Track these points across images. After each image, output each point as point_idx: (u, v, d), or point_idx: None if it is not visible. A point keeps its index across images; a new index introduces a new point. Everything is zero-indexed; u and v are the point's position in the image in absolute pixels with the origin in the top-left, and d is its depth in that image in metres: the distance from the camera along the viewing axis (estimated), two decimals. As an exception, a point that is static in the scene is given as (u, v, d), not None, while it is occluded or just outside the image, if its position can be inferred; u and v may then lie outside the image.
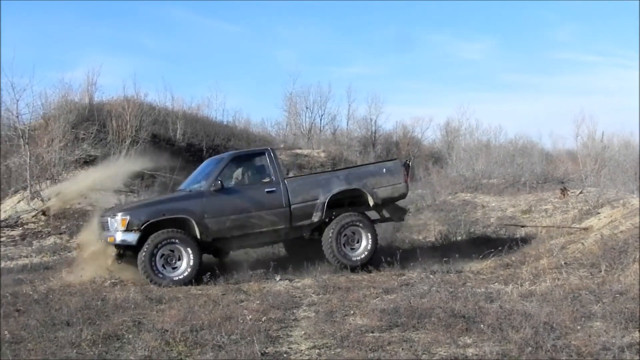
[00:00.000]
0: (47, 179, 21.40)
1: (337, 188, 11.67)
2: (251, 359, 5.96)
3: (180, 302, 8.63)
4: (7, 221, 18.04)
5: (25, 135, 22.92)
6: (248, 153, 13.01)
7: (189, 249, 10.54)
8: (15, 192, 22.24)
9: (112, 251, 10.83)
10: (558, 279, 9.33)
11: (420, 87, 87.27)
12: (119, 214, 10.61)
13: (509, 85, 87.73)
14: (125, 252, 10.82)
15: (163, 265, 10.46)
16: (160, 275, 10.34)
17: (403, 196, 12.60)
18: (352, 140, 53.00)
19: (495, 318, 7.07)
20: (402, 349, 6.19)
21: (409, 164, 12.96)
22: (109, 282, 10.49)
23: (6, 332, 6.88)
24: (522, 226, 15.43)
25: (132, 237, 10.45)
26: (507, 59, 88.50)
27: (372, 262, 11.62)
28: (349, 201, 11.98)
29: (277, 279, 10.64)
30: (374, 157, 47.23)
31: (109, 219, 10.81)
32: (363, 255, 11.61)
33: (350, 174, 12.16)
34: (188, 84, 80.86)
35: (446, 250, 13.90)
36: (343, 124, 56.58)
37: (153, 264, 10.34)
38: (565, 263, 10.27)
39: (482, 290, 9.00)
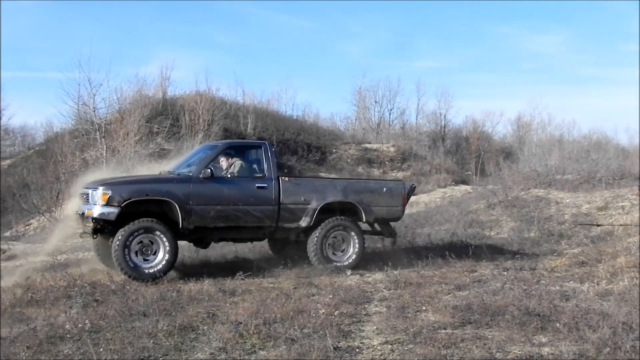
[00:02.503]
0: (123, 172, 21.93)
1: (331, 197, 11.38)
2: (324, 353, 5.98)
3: (252, 295, 8.71)
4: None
5: (101, 129, 23.60)
6: (243, 144, 12.61)
7: (165, 240, 10.13)
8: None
9: (89, 224, 10.50)
10: (636, 278, 9.06)
11: (491, 80, 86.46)
12: (101, 188, 10.11)
13: (582, 78, 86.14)
14: (102, 228, 10.36)
15: (138, 255, 10.06)
16: (134, 267, 9.97)
17: (397, 219, 12.38)
18: (421, 134, 52.82)
19: (572, 317, 6.93)
20: (476, 346, 6.13)
21: (414, 187, 12.70)
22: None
23: (87, 321, 7.07)
24: (598, 225, 15.05)
25: (111, 213, 9.95)
26: (580, 52, 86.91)
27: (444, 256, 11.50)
28: (341, 211, 11.61)
29: (348, 273, 10.65)
30: (443, 152, 46.95)
31: (90, 191, 10.38)
32: (348, 262, 11.30)
33: (349, 186, 11.87)
34: (258, 79, 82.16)
35: (519, 246, 13.73)
36: (412, 118, 56.59)
37: (127, 254, 9.92)
38: (643, 262, 9.98)
39: (557, 288, 8.83)
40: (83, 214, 10.56)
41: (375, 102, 54.79)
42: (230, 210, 10.75)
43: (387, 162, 40.40)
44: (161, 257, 10.13)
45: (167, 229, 10.22)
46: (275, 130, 37.16)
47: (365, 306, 8.11)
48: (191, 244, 11.65)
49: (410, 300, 8.23)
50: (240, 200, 10.81)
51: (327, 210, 11.37)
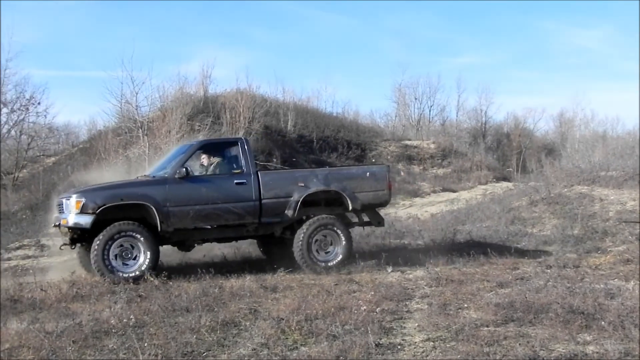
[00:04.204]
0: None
1: (314, 187, 11.07)
2: (365, 350, 5.97)
3: (294, 291, 8.75)
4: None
5: (144, 126, 23.81)
6: (219, 141, 12.39)
7: (145, 243, 9.99)
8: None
9: (67, 235, 10.38)
10: (682, 276, 8.92)
11: (533, 76, 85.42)
12: (74, 196, 9.97)
13: (627, 73, 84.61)
14: (80, 238, 10.27)
15: (121, 262, 9.96)
16: (114, 271, 9.80)
17: (385, 204, 12.09)
18: (461, 131, 52.54)
19: (617, 315, 6.84)
20: (519, 344, 6.07)
21: (389, 167, 12.35)
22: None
23: (131, 316, 7.17)
24: (644, 221, 14.79)
25: (86, 221, 9.80)
26: (625, 46, 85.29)
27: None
28: (326, 202, 11.42)
29: (389, 270, 10.62)
30: (484, 149, 46.57)
31: (64, 200, 10.30)
32: (335, 261, 10.98)
33: (330, 174, 11.54)
34: (298, 76, 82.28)
35: (561, 244, 13.57)
36: (452, 115, 56.39)
37: (106, 258, 9.77)
38: (690, 260, 9.80)
39: (602, 286, 8.70)
40: (59, 225, 10.43)
41: (415, 98, 54.64)
42: (209, 209, 10.53)
43: (427, 159, 40.19)
44: (142, 260, 10.00)
45: (147, 231, 10.06)
46: (316, 127, 37.17)
47: (407, 303, 8.09)
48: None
49: (451, 298, 8.18)
50: (219, 198, 10.60)
51: (312, 202, 11.17)
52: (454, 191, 31.67)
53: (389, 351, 6.09)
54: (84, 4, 78.67)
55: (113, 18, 79.89)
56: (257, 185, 10.79)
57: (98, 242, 9.79)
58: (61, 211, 10.39)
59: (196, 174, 10.83)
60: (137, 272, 9.86)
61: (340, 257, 11.05)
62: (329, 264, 10.91)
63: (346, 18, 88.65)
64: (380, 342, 6.29)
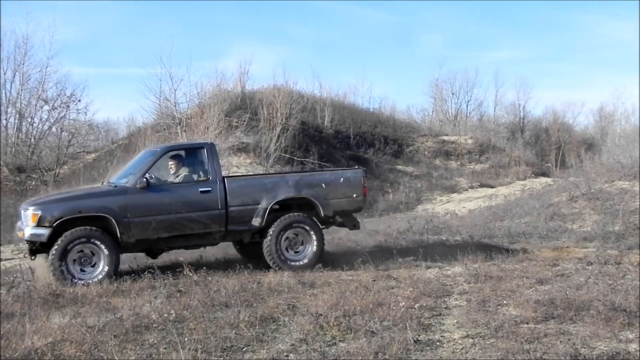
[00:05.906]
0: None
1: (283, 194, 10.65)
2: (404, 346, 5.97)
3: (332, 287, 8.75)
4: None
5: (182, 123, 24.00)
6: (184, 147, 11.89)
7: (105, 249, 9.61)
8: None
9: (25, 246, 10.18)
10: None
11: (572, 70, 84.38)
12: (31, 208, 9.66)
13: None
14: (38, 249, 9.91)
15: (80, 269, 9.62)
16: (71, 277, 9.41)
17: (359, 210, 11.66)
18: (499, 126, 52.15)
19: (660, 313, 6.75)
20: (560, 341, 6.02)
21: (366, 172, 11.84)
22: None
23: (171, 311, 7.25)
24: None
25: (42, 233, 9.49)
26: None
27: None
28: (297, 207, 10.93)
29: (424, 267, 10.55)
30: (522, 144, 46.13)
31: (22, 211, 9.98)
32: (306, 260, 10.60)
33: (302, 180, 11.11)
34: (335, 72, 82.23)
35: (602, 240, 13.38)
36: (490, 109, 55.98)
37: (63, 264, 9.40)
38: None
39: (644, 283, 8.58)
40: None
41: (453, 93, 54.41)
42: (172, 219, 10.14)
43: (465, 155, 39.97)
44: (101, 268, 9.67)
45: (106, 236, 9.74)
46: (352, 123, 37.15)
47: (445, 299, 8.06)
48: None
49: (490, 294, 8.13)
50: (182, 207, 10.19)
51: (284, 208, 10.81)
52: (491, 187, 31.45)
53: (427, 347, 6.09)
54: (123, 2, 79.63)
55: (152, 15, 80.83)
56: (223, 192, 10.41)
57: (56, 248, 9.49)
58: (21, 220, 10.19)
59: (164, 179, 10.48)
60: (97, 279, 9.51)
61: (312, 256, 10.70)
62: (300, 263, 10.60)
63: (383, 14, 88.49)
64: (419, 339, 6.29)
